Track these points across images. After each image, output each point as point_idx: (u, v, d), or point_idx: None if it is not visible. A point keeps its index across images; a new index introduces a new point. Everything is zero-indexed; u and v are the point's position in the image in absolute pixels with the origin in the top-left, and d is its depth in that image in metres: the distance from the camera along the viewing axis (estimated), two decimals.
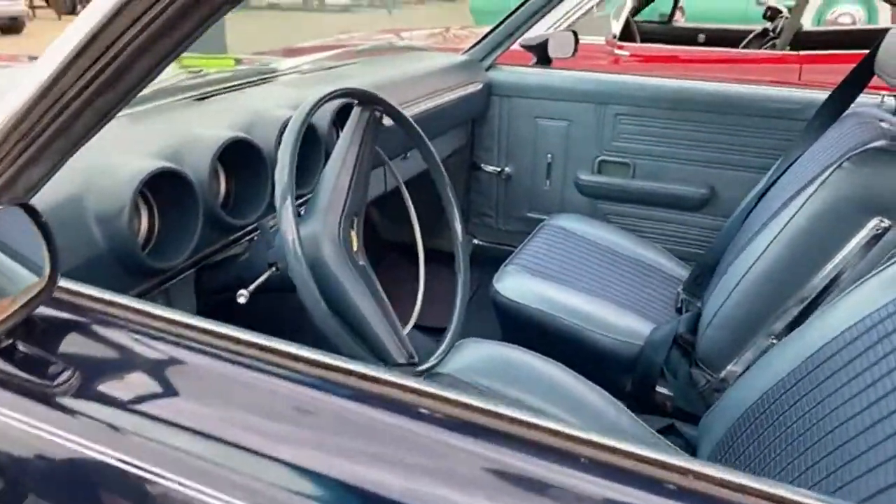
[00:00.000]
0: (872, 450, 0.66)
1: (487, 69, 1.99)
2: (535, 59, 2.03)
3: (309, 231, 0.87)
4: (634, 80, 1.88)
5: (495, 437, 0.48)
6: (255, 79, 1.39)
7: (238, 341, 0.56)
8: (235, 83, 1.33)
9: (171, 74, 1.31)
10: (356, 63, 1.86)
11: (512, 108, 1.99)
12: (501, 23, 1.96)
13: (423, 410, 0.50)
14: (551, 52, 1.93)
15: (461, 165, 2.11)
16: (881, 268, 0.87)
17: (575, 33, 1.93)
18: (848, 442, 0.70)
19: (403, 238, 2.30)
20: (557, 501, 0.47)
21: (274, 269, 0.89)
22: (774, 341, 1.25)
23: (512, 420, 0.49)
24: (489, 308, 1.50)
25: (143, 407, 0.56)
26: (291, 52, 3.08)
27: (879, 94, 1.58)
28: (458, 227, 1.06)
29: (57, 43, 0.53)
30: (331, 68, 1.68)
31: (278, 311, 1.63)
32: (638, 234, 1.84)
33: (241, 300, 0.83)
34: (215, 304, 1.09)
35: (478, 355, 1.19)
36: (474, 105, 1.94)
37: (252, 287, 0.84)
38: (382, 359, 0.86)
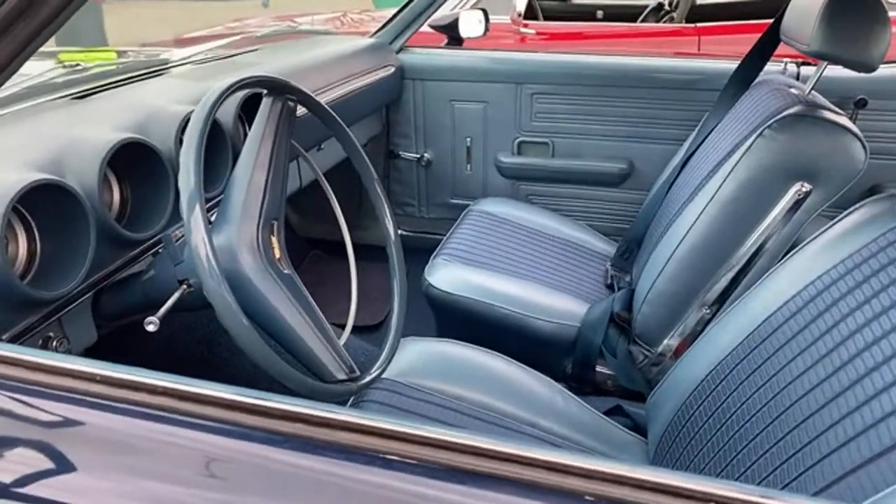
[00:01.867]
0: (836, 426, 0.65)
1: (398, 52, 1.91)
2: (446, 41, 1.97)
3: (222, 241, 0.77)
4: (548, 58, 1.85)
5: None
6: (143, 72, 1.23)
7: (153, 389, 0.46)
8: (121, 78, 1.17)
9: (43, 70, 1.14)
10: (257, 50, 1.72)
11: (426, 92, 1.92)
12: (407, 4, 1.88)
13: (392, 457, 0.43)
14: (462, 32, 1.87)
15: (378, 154, 2.03)
16: (819, 232, 0.87)
17: (485, 11, 1.88)
18: (810, 417, 0.69)
19: (321, 234, 2.19)
20: None
21: (185, 286, 0.78)
22: (707, 311, 1.27)
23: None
24: (419, 300, 1.44)
25: (28, 490, 0.45)
26: (182, 43, 2.86)
27: (782, 62, 1.63)
28: (390, 222, 0.98)
29: None
30: (229, 57, 1.53)
31: (192, 329, 1.50)
32: (561, 213, 1.84)
33: (151, 328, 0.72)
34: (119, 331, 0.96)
35: (418, 355, 1.13)
36: (388, 90, 1.86)
37: (162, 311, 0.73)
38: (319, 376, 0.77)
